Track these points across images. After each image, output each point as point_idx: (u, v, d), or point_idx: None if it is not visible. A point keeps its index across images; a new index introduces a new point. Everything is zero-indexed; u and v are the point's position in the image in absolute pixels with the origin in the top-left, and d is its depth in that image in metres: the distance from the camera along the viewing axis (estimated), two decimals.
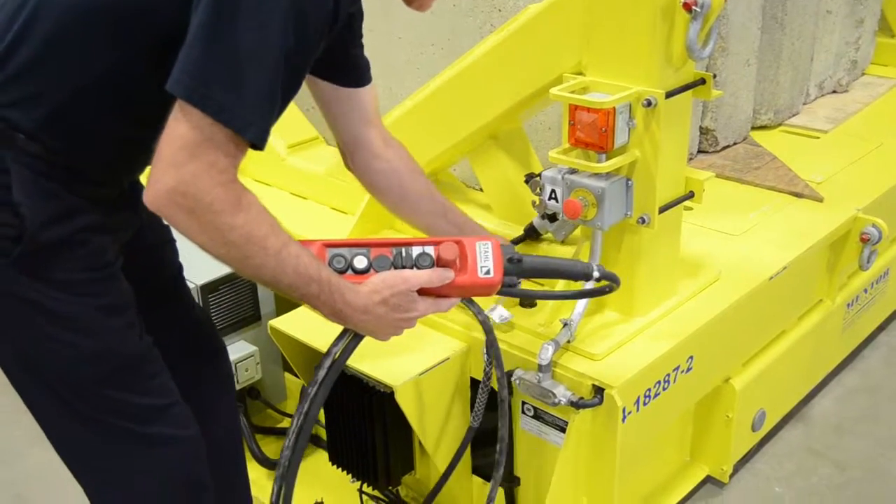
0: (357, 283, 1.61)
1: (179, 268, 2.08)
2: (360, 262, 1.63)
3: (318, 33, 1.53)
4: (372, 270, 1.63)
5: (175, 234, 1.84)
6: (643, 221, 2.12)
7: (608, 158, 2.05)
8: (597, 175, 2.06)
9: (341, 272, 1.62)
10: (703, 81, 2.11)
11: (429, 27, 2.85)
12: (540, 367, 2.09)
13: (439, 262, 1.65)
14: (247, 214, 1.47)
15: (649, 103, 2.01)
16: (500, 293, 1.73)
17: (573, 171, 2.09)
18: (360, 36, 1.91)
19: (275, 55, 1.43)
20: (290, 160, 3.06)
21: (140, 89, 1.51)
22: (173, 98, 1.43)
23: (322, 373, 1.74)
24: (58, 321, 1.66)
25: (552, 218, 2.22)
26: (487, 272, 1.66)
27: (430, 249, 1.66)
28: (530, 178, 2.33)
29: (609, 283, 1.88)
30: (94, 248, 1.68)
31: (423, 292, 1.65)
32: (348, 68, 1.91)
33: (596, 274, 1.81)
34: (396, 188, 2.01)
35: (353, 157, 2.00)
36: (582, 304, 2.18)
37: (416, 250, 1.66)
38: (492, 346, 2.00)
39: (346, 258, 1.63)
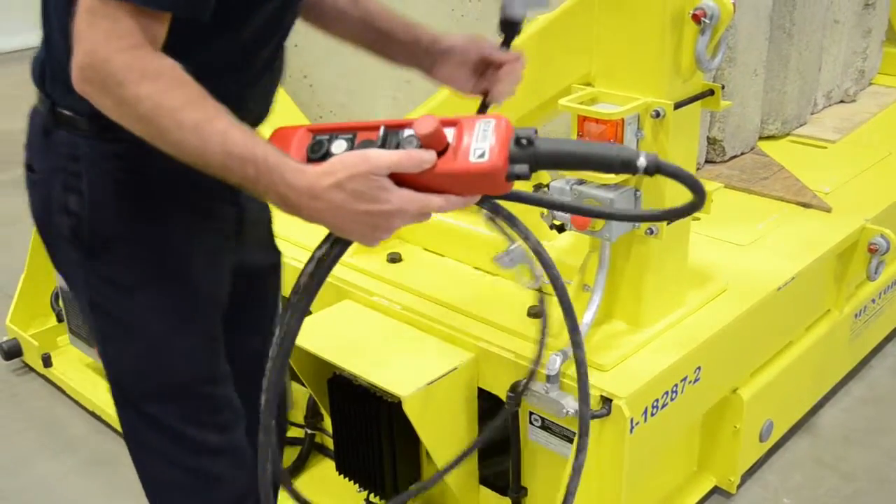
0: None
1: (277, 302, 1.89)
2: (340, 147, 1.33)
3: None
4: None
5: None
6: (651, 232, 2.12)
7: None
8: (605, 186, 2.06)
9: (320, 159, 1.32)
10: (711, 92, 2.12)
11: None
12: (548, 378, 2.08)
13: (423, 143, 1.30)
14: (154, 84, 1.30)
15: (658, 114, 2.01)
16: (508, 180, 1.32)
17: (581, 182, 2.09)
18: None
19: None
20: None
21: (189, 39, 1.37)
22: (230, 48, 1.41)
23: (304, 279, 1.46)
24: (116, 324, 1.61)
25: (560, 229, 2.22)
26: (482, 155, 1.28)
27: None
28: (538, 189, 2.33)
29: (692, 202, 1.32)
30: (169, 245, 1.57)
31: (402, 182, 1.31)
32: None
33: (643, 161, 1.27)
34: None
35: None
36: (590, 314, 2.18)
37: (406, 132, 1.32)
38: (540, 254, 1.63)
39: (325, 143, 1.34)
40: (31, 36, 2.44)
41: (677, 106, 2.04)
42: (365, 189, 1.29)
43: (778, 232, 2.79)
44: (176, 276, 1.60)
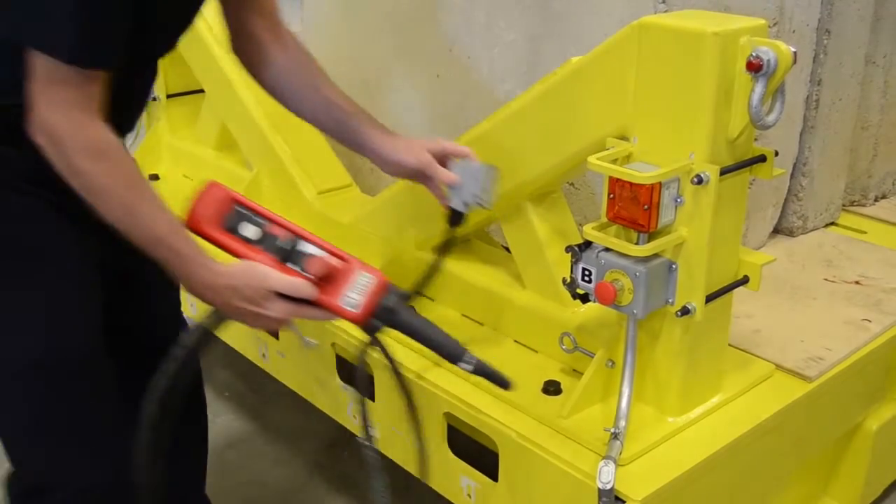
0: (245, 253, 1.60)
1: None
2: (251, 232, 1.61)
3: None
4: (259, 245, 1.61)
5: None
6: (686, 312, 1.87)
7: (650, 239, 1.81)
8: (635, 258, 1.81)
9: (230, 231, 1.61)
10: (763, 158, 1.86)
11: None
12: (601, 494, 1.77)
13: (312, 276, 1.59)
14: (96, 163, 1.50)
15: (700, 180, 1.76)
16: (363, 329, 1.68)
17: (608, 250, 1.85)
18: None
19: None
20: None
21: None
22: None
23: (179, 351, 1.71)
24: None
25: (584, 298, 1.98)
26: (351, 305, 1.61)
27: (318, 253, 1.61)
28: (569, 250, 2.09)
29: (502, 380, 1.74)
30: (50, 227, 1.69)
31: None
32: None
33: (467, 366, 1.69)
34: (272, 80, 1.98)
35: (234, 42, 1.97)
36: (625, 401, 1.90)
37: (305, 247, 1.61)
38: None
39: (242, 220, 1.61)
40: None
41: (724, 171, 1.79)
42: (255, 297, 1.58)
43: None
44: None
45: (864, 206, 3.21)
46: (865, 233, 2.99)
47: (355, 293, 1.60)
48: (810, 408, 2.17)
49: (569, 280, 1.96)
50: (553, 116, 2.04)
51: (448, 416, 2.15)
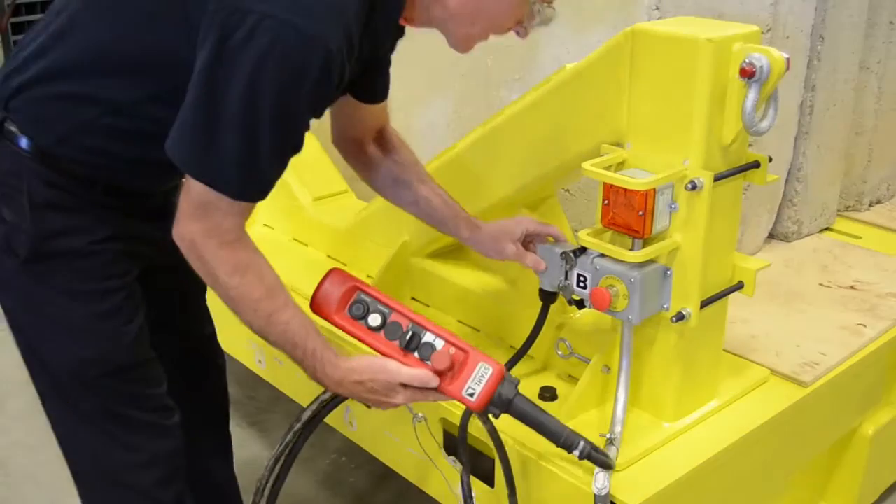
0: (368, 340, 1.69)
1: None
2: (375, 320, 1.69)
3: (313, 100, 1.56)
4: (381, 332, 1.68)
5: None
6: (681, 317, 1.87)
7: (645, 245, 1.81)
8: (630, 264, 1.82)
9: (355, 318, 1.69)
10: (757, 164, 1.87)
11: None
12: (597, 500, 1.79)
13: (434, 367, 1.65)
14: (242, 278, 1.59)
15: (694, 186, 1.77)
16: (479, 415, 1.83)
17: (603, 256, 1.86)
18: (383, 64, 1.93)
19: (268, 123, 1.50)
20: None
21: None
22: None
23: (298, 426, 1.96)
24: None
25: (579, 304, 1.98)
26: (471, 395, 1.66)
27: (439, 343, 1.67)
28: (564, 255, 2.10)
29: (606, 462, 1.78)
30: (104, 259, 1.75)
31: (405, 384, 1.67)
32: (363, 89, 1.91)
33: (576, 453, 1.73)
34: (372, 176, 2.07)
35: (338, 141, 2.06)
36: (620, 407, 1.91)
37: (427, 337, 1.67)
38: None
39: (366, 308, 1.69)
40: None
41: (718, 177, 1.79)
42: (379, 388, 1.66)
43: None
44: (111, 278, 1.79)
45: (858, 211, 3.22)
46: (860, 238, 3.00)
47: (475, 383, 1.66)
48: (806, 413, 2.18)
49: (564, 286, 1.96)
50: (548, 123, 2.04)
51: (444, 422, 2.15)
